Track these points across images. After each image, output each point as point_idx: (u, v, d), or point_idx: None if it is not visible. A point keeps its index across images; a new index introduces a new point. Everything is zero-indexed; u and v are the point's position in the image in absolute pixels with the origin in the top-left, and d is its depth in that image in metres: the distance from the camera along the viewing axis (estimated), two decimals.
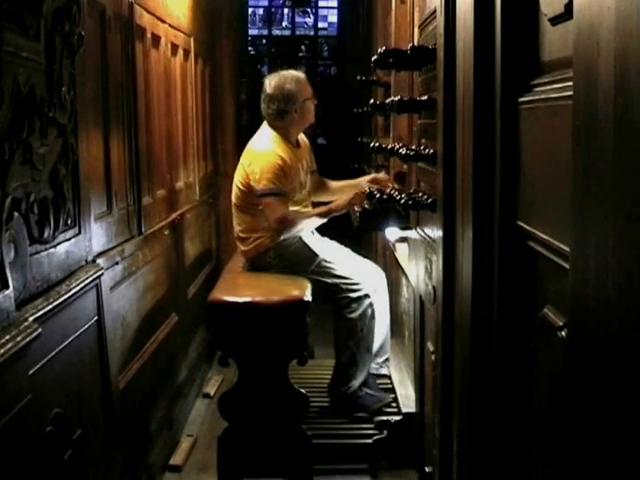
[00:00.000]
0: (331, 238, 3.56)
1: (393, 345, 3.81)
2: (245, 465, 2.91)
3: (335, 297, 3.28)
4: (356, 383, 3.30)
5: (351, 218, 3.52)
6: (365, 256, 3.73)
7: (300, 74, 3.50)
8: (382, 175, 3.59)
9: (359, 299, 3.26)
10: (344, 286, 3.27)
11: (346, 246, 3.55)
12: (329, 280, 3.27)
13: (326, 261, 3.30)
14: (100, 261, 2.23)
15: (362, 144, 5.15)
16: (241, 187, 3.33)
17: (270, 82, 3.38)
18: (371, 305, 3.28)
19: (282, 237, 3.25)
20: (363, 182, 3.48)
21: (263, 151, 3.29)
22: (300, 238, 3.31)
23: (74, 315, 1.96)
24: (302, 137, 3.54)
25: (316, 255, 3.29)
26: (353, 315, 3.26)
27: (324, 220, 3.37)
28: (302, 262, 3.28)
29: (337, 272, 3.28)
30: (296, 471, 2.91)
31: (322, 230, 3.54)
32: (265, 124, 3.42)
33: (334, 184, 3.69)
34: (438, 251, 1.87)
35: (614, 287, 0.73)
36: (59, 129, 1.84)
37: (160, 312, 3.24)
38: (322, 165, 3.78)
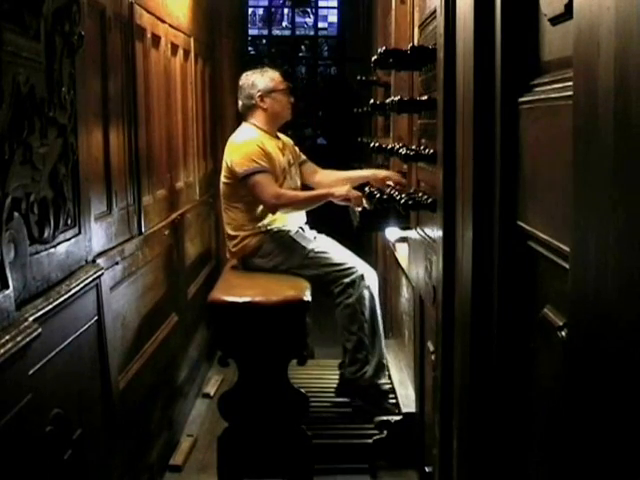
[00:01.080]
0: (330, 237, 3.56)
1: (393, 345, 3.81)
2: (245, 465, 2.91)
3: (330, 286, 3.28)
4: (370, 369, 3.29)
5: (351, 218, 3.52)
6: (365, 256, 3.73)
7: (272, 71, 3.59)
8: (393, 173, 3.44)
9: (353, 283, 3.25)
10: (337, 273, 3.27)
11: (346, 246, 3.55)
12: (320, 271, 3.27)
13: (315, 252, 3.31)
14: (100, 261, 2.23)
15: (362, 144, 5.15)
16: (225, 180, 3.38)
17: (242, 77, 3.57)
18: (368, 287, 3.27)
19: (279, 213, 3.29)
20: (374, 178, 3.44)
21: (242, 141, 3.38)
22: (287, 233, 3.33)
23: (74, 315, 1.96)
24: (282, 136, 3.60)
25: (304, 247, 3.31)
26: (350, 300, 3.24)
27: (320, 203, 3.37)
28: (291, 257, 3.30)
29: (328, 260, 3.29)
30: (296, 471, 2.91)
31: (319, 228, 3.55)
32: (243, 123, 3.53)
33: (339, 174, 3.68)
34: (438, 251, 1.86)
35: (614, 287, 0.73)
36: (59, 129, 1.84)
37: (160, 312, 3.24)
38: (322, 165, 3.78)
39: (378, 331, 3.32)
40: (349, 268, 3.27)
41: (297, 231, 3.38)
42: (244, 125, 3.51)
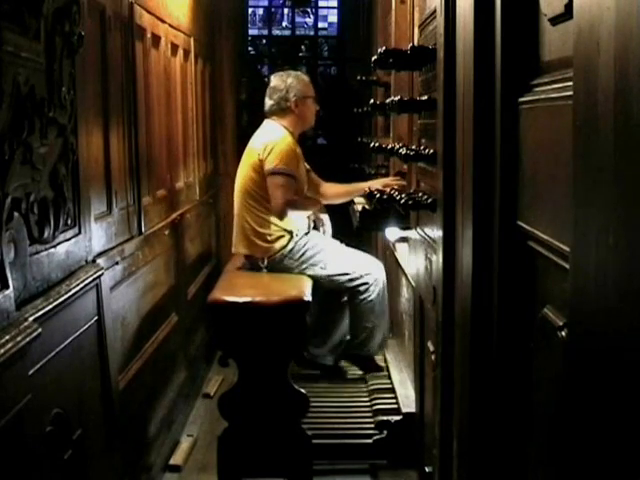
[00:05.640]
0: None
1: (393, 345, 3.82)
2: (245, 465, 2.91)
3: (353, 284, 3.43)
4: (374, 345, 3.55)
5: (351, 218, 3.53)
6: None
7: (304, 76, 3.70)
8: (390, 179, 3.47)
9: (375, 282, 3.44)
10: (361, 272, 3.43)
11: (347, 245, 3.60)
12: (349, 270, 3.42)
13: (342, 253, 3.47)
14: (100, 261, 2.23)
15: (362, 144, 5.15)
16: (253, 173, 3.37)
17: (274, 77, 3.64)
18: (384, 285, 3.49)
19: (283, 218, 3.36)
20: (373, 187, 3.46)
21: (280, 137, 3.41)
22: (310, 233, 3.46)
23: (74, 315, 1.96)
24: None
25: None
26: (372, 297, 3.43)
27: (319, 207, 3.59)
28: (325, 254, 3.40)
29: (354, 261, 3.46)
30: (296, 471, 2.91)
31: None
32: (267, 120, 3.56)
33: (339, 188, 3.74)
34: (438, 251, 1.86)
35: (614, 287, 0.73)
36: (59, 129, 1.84)
37: (160, 312, 3.24)
38: (322, 165, 3.79)
39: (386, 315, 3.55)
40: (369, 268, 3.47)
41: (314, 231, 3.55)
42: (272, 123, 3.52)
